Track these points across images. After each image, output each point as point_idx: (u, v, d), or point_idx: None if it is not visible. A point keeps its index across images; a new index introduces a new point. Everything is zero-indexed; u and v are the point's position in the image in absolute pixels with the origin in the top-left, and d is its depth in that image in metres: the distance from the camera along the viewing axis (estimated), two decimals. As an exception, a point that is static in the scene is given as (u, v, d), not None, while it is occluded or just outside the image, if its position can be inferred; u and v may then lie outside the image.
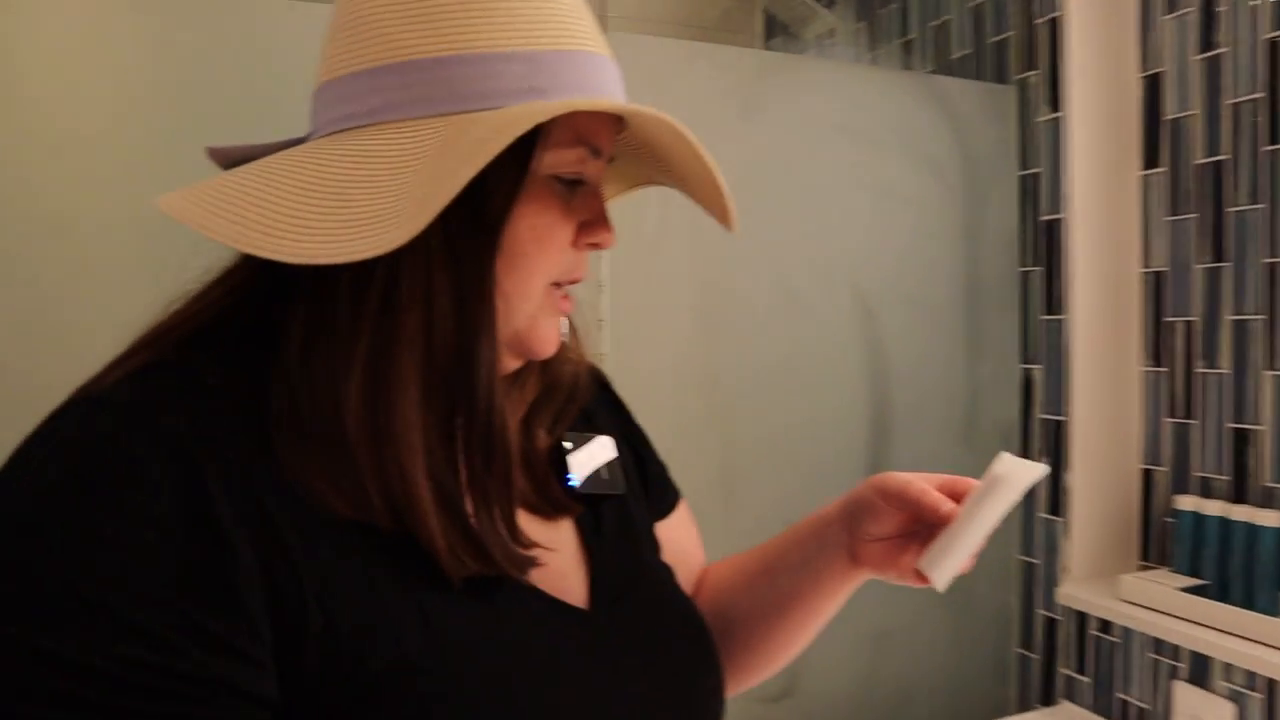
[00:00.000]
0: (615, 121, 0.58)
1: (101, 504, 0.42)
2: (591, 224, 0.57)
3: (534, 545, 0.56)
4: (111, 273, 1.22)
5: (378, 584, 0.49)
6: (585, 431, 0.69)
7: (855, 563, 0.69)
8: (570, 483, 0.65)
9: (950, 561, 0.63)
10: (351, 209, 0.47)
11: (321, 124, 0.54)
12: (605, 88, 0.54)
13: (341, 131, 0.52)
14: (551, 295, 0.57)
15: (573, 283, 0.59)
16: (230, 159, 0.57)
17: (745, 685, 0.80)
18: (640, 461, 0.75)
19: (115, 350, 0.52)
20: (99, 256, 1.24)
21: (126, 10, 1.28)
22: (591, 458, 0.67)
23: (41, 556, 0.41)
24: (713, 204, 0.62)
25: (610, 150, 0.58)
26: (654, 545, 0.71)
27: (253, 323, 0.54)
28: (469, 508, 0.53)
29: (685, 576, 0.77)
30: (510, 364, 0.60)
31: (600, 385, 0.75)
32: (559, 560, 0.61)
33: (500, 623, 0.53)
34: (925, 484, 0.65)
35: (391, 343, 0.50)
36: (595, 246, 0.59)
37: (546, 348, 0.59)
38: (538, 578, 0.57)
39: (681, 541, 0.78)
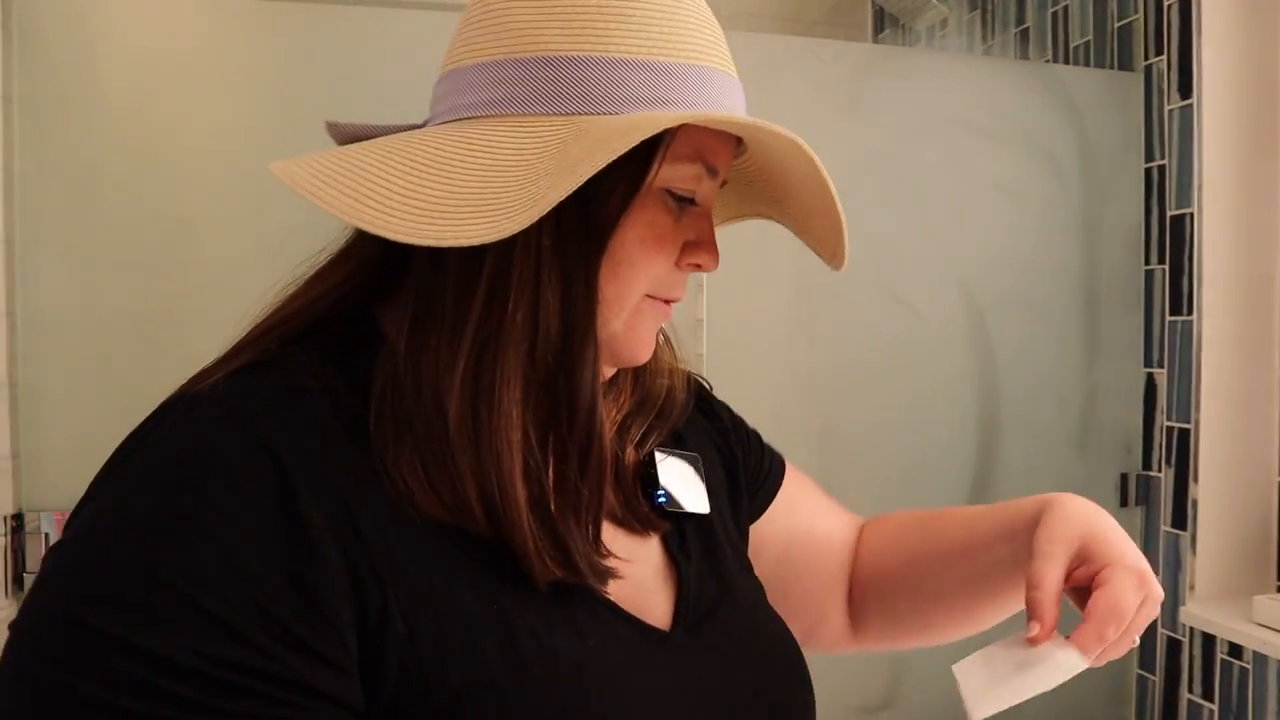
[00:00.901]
0: (734, 144, 0.57)
1: (193, 503, 0.43)
2: (697, 245, 0.57)
3: (612, 556, 0.55)
4: (229, 268, 1.27)
5: (462, 594, 0.49)
6: (675, 448, 0.68)
7: None
8: (659, 500, 0.64)
9: (987, 685, 0.62)
10: (466, 194, 0.47)
11: (440, 111, 0.54)
12: (731, 107, 0.54)
13: (461, 120, 0.52)
14: (647, 303, 0.56)
15: (669, 302, 0.58)
16: (347, 135, 0.57)
17: (895, 647, 0.81)
18: (733, 468, 0.73)
19: (223, 348, 0.54)
20: (217, 255, 1.30)
21: (251, 22, 1.34)
22: (680, 476, 0.66)
23: (133, 552, 0.42)
24: (825, 236, 0.61)
25: (726, 172, 0.57)
26: (744, 564, 0.69)
27: (356, 322, 0.54)
28: (554, 511, 0.52)
29: (821, 554, 0.78)
30: (604, 371, 0.59)
31: (697, 395, 0.74)
32: (643, 578, 0.60)
33: (580, 640, 0.52)
34: (1054, 593, 0.60)
35: (497, 336, 0.49)
36: (697, 268, 0.58)
37: (640, 353, 0.58)
38: (621, 596, 0.56)
39: (803, 519, 0.78)
